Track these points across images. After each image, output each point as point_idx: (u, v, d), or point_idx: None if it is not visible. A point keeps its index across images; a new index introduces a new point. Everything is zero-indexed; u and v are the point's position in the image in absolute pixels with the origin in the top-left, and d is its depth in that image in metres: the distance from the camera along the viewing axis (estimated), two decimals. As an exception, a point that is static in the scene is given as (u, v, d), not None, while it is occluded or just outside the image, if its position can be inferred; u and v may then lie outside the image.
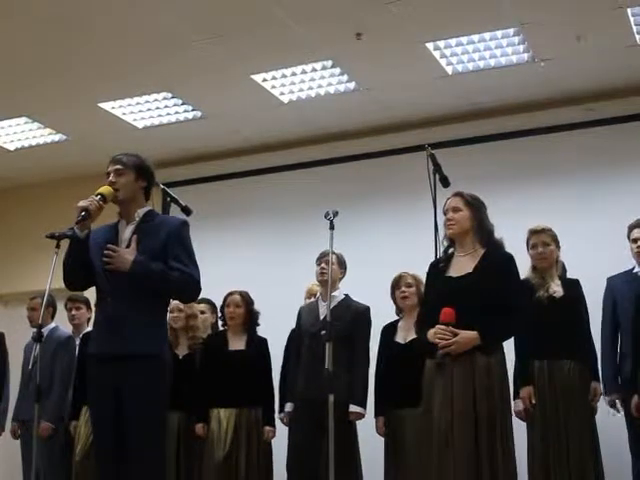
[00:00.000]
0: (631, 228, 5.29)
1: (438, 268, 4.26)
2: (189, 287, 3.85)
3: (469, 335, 3.91)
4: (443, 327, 3.94)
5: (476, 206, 4.22)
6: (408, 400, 4.78)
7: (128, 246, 3.78)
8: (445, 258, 4.28)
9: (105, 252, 3.69)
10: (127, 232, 3.86)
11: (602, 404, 4.95)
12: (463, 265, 4.15)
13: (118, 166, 3.86)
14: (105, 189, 3.80)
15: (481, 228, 4.19)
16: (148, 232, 3.83)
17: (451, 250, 4.29)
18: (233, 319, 5.47)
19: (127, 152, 3.95)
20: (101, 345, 3.77)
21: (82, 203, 3.71)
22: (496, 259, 4.13)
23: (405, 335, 5.11)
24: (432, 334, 4.00)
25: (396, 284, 5.26)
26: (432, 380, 4.03)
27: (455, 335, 3.91)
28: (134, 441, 3.64)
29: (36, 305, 6.08)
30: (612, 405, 5.02)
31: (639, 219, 5.30)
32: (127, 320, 3.69)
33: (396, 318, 5.30)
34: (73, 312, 6.22)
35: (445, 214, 4.24)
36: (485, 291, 3.99)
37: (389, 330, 5.27)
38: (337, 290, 5.28)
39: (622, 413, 5.03)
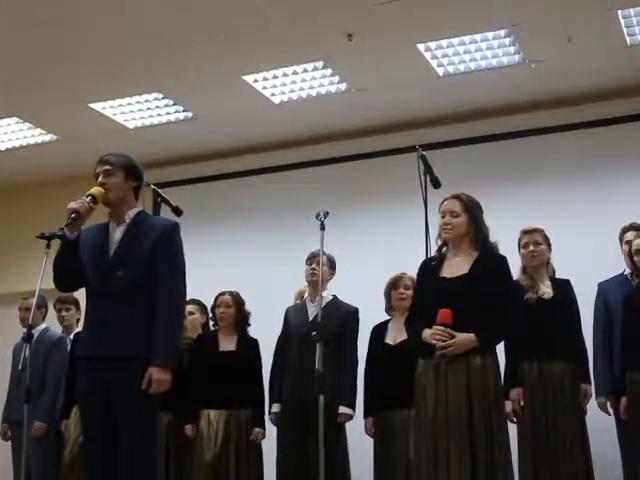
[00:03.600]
0: (624, 231, 5.30)
1: (431, 267, 4.25)
2: (183, 306, 4.11)
3: (466, 337, 3.92)
4: (441, 328, 3.94)
5: (473, 211, 4.20)
6: (398, 401, 4.79)
7: (118, 248, 3.79)
8: (438, 257, 4.28)
9: (151, 391, 3.64)
10: (117, 234, 3.85)
11: (592, 405, 4.96)
12: (457, 266, 4.15)
13: (107, 167, 3.85)
14: (96, 190, 3.79)
15: (477, 233, 4.19)
16: (138, 234, 3.82)
17: (444, 249, 4.29)
18: (224, 319, 5.47)
19: (115, 152, 3.94)
20: (91, 346, 3.77)
21: (73, 205, 3.69)
22: (490, 261, 4.15)
23: (395, 336, 5.10)
24: (429, 335, 3.98)
25: (394, 284, 5.23)
26: (425, 381, 4.03)
27: (452, 337, 3.92)
28: (124, 442, 3.63)
29: (29, 305, 6.04)
30: (602, 407, 5.02)
31: (632, 223, 5.31)
32: (116, 321, 3.69)
33: (386, 319, 5.29)
34: (62, 313, 6.21)
35: (442, 216, 4.22)
36: (480, 292, 3.99)
37: (379, 330, 5.25)
38: (325, 291, 5.27)
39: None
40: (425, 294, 4.22)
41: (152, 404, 3.74)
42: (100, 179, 3.83)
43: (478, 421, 3.87)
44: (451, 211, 4.19)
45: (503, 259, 4.19)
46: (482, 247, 4.18)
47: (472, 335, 3.92)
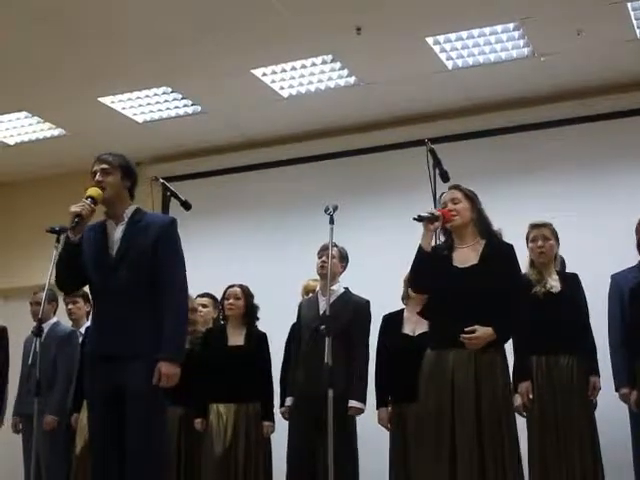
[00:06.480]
0: None
1: (442, 255, 4.23)
2: (187, 301, 3.96)
3: (486, 331, 3.96)
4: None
5: (473, 198, 4.25)
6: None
7: (120, 247, 3.79)
8: (446, 247, 4.27)
9: (162, 386, 3.65)
10: (117, 233, 3.85)
11: (601, 398, 4.94)
12: (467, 256, 4.16)
13: (104, 165, 3.86)
14: (94, 191, 3.79)
15: (480, 219, 4.22)
16: (138, 232, 3.83)
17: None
18: (232, 310, 5.45)
19: (112, 152, 3.95)
20: (97, 344, 3.80)
21: (75, 208, 3.71)
22: (499, 249, 4.17)
23: (414, 327, 5.06)
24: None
25: None
26: (430, 375, 4.06)
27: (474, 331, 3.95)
28: (132, 439, 3.64)
29: (40, 300, 6.05)
30: (625, 400, 4.99)
31: None
32: (123, 319, 3.71)
33: (396, 309, 5.26)
34: (70, 306, 6.24)
35: (443, 207, 4.23)
36: (492, 282, 4.02)
37: (393, 320, 5.21)
38: (337, 284, 5.26)
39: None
40: (440, 285, 4.17)
41: (159, 401, 3.75)
42: (97, 177, 3.84)
43: (486, 416, 3.89)
44: (452, 198, 4.22)
45: (510, 247, 4.21)
46: (487, 235, 4.20)
47: (490, 329, 3.97)
